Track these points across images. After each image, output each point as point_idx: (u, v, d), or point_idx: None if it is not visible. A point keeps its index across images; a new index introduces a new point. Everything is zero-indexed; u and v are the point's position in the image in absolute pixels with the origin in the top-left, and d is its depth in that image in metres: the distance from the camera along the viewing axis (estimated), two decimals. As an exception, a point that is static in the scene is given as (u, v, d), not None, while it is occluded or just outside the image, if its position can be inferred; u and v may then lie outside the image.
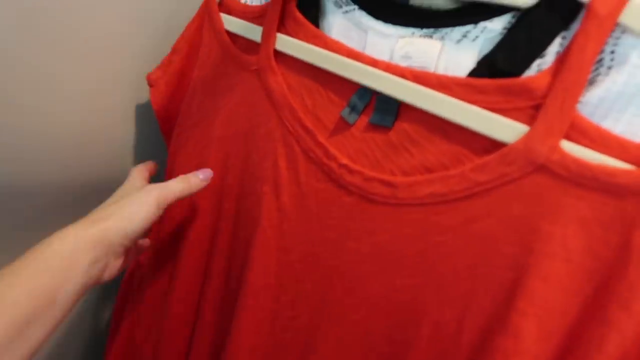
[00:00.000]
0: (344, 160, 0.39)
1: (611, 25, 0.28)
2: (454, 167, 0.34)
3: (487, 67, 0.33)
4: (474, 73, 0.33)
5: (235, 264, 0.48)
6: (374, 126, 0.38)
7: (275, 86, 0.44)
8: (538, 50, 0.31)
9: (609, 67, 0.29)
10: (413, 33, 0.36)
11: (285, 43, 0.43)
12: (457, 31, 0.35)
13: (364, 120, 0.39)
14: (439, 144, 0.35)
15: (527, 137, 0.30)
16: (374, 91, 0.38)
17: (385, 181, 0.37)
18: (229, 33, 0.49)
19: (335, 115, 0.41)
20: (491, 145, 0.32)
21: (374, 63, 0.38)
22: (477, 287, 0.33)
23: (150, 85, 0.54)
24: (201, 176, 0.47)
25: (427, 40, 0.36)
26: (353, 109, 0.39)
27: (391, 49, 0.37)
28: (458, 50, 0.35)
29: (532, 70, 0.31)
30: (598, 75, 0.29)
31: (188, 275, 0.52)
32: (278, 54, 0.44)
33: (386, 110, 0.37)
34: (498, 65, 0.32)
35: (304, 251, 0.42)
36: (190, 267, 0.52)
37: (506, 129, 0.31)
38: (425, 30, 0.36)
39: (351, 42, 0.40)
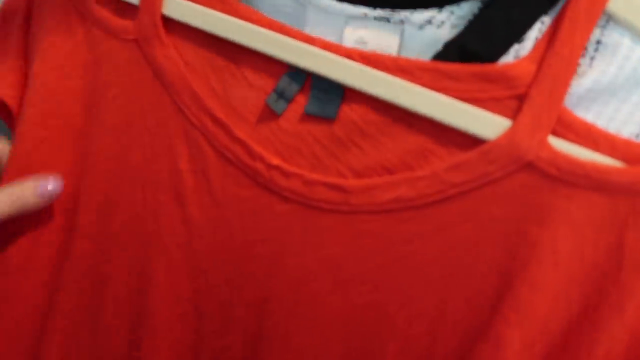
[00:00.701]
0: (275, 161, 0.32)
1: (598, 12, 0.25)
2: (421, 167, 0.29)
3: (456, 50, 0.28)
4: (440, 56, 0.28)
5: (115, 296, 0.37)
6: (311, 117, 0.31)
7: (167, 63, 0.33)
8: (518, 33, 0.27)
9: (592, 58, 0.27)
10: (365, 14, 0.30)
11: (177, 7, 0.33)
12: (419, 15, 0.29)
13: (296, 109, 0.32)
14: (400, 139, 0.29)
15: (511, 132, 0.26)
16: (309, 73, 0.31)
17: (332, 185, 0.30)
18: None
19: (257, 103, 0.32)
20: (464, 141, 0.28)
21: (309, 40, 0.30)
22: (452, 297, 0.29)
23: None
24: (40, 188, 0.34)
25: (383, 25, 0.30)
26: (281, 95, 0.31)
27: (339, 31, 0.30)
28: (422, 39, 0.30)
29: (510, 57, 0.28)
30: (579, 65, 0.27)
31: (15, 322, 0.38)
32: (168, 22, 0.33)
33: (326, 98, 0.30)
34: (470, 47, 0.27)
35: (227, 272, 0.34)
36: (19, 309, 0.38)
37: (485, 122, 0.27)
38: (379, 11, 0.29)
39: (285, 18, 0.31)
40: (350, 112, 0.30)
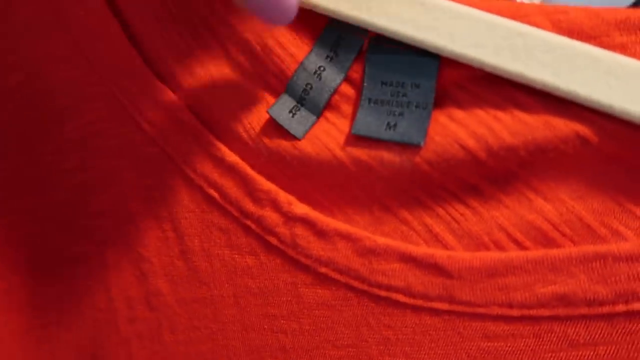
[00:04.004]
0: (300, 208, 0.16)
1: None
2: (617, 233, 0.14)
3: None
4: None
5: None
6: (366, 139, 0.16)
7: (99, 26, 0.18)
8: None
9: None
10: None
11: None
12: None
13: (337, 121, 0.16)
14: (557, 184, 0.14)
15: None
16: (362, 44, 0.15)
17: (420, 259, 0.15)
18: None
19: (262, 100, 0.17)
20: None
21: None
22: None
23: None
24: None
25: None
26: (302, 98, 0.16)
27: None
28: None
29: None
30: None
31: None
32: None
33: (402, 103, 0.15)
34: None
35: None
36: None
37: None
38: None
39: None
40: (453, 127, 0.14)
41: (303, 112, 0.16)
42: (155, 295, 0.20)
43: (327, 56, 0.16)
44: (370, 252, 0.16)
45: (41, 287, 0.22)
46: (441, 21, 0.14)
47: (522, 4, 0.14)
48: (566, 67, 0.13)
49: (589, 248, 0.13)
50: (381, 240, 0.16)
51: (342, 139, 0.16)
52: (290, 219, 0.17)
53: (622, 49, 0.13)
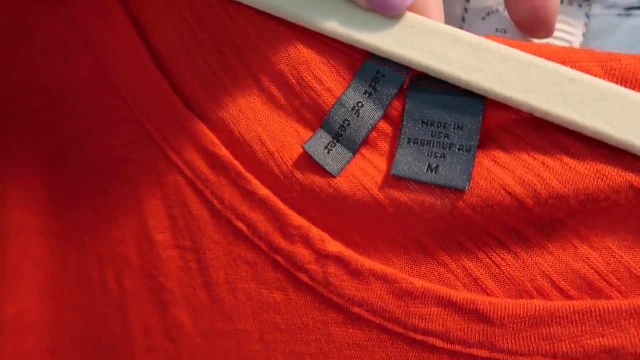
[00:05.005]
0: (333, 246, 0.16)
1: None
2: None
3: None
4: None
5: None
6: (407, 181, 0.15)
7: (126, 50, 0.17)
8: None
9: None
10: None
11: None
12: None
13: (367, 161, 0.16)
14: (605, 233, 0.14)
15: None
16: (402, 82, 0.15)
17: (461, 305, 0.15)
18: None
19: (293, 142, 0.17)
20: None
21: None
22: None
23: None
24: None
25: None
26: (338, 135, 0.16)
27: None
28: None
29: None
30: None
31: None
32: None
33: (443, 144, 0.15)
34: None
35: None
36: None
37: None
38: None
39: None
40: (500, 173, 0.14)
41: (339, 149, 0.16)
42: (175, 327, 0.19)
43: (366, 92, 0.16)
44: (408, 295, 0.15)
45: (57, 311, 0.21)
46: (489, 63, 0.14)
47: (572, 49, 0.14)
48: (620, 116, 0.13)
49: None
50: (419, 283, 0.15)
51: (379, 178, 0.16)
52: (323, 256, 0.16)
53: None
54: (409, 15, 0.15)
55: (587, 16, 0.18)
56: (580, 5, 0.18)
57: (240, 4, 0.17)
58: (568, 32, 0.18)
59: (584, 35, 0.18)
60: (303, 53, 0.16)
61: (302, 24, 0.16)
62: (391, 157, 0.16)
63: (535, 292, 0.14)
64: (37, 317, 0.21)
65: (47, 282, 0.21)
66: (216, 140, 0.17)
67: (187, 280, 0.19)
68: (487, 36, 0.15)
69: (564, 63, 0.14)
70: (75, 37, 0.19)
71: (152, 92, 0.18)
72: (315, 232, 0.16)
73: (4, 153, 0.21)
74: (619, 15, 0.19)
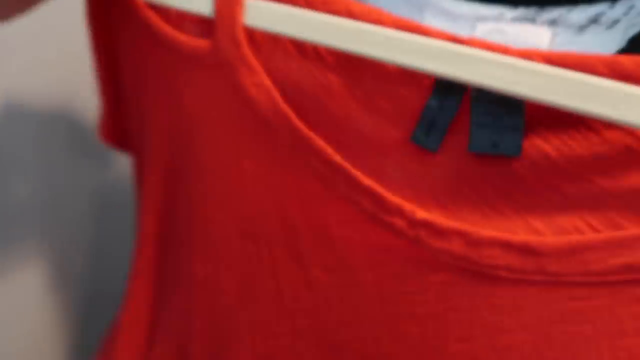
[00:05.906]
0: (421, 214, 0.23)
1: None
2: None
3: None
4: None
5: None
6: (475, 155, 0.22)
7: (259, 94, 0.25)
8: None
9: None
10: (501, 14, 0.21)
11: (264, 13, 0.24)
12: (580, 12, 0.21)
13: (451, 145, 0.22)
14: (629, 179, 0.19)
15: None
16: (465, 90, 0.21)
17: (518, 245, 0.21)
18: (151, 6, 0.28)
19: (386, 137, 0.23)
20: None
21: (456, 39, 0.21)
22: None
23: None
24: None
25: (526, 28, 0.21)
26: (431, 125, 0.22)
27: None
28: (583, 44, 0.21)
29: None
30: None
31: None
32: (254, 36, 0.25)
33: (499, 125, 0.21)
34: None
35: (363, 351, 0.26)
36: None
37: None
38: (522, 10, 0.21)
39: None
40: (540, 143, 0.20)
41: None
42: (315, 282, 0.26)
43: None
44: (479, 243, 0.22)
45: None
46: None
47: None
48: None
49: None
50: (487, 233, 0.21)
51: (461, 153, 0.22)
52: (414, 223, 0.23)
53: None
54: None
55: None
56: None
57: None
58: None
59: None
60: None
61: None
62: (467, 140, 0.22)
63: (572, 229, 0.20)
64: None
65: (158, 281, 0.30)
66: (342, 162, 0.24)
67: (319, 251, 0.26)
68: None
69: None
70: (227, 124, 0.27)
71: (283, 126, 0.25)
72: (408, 206, 0.23)
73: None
74: None
